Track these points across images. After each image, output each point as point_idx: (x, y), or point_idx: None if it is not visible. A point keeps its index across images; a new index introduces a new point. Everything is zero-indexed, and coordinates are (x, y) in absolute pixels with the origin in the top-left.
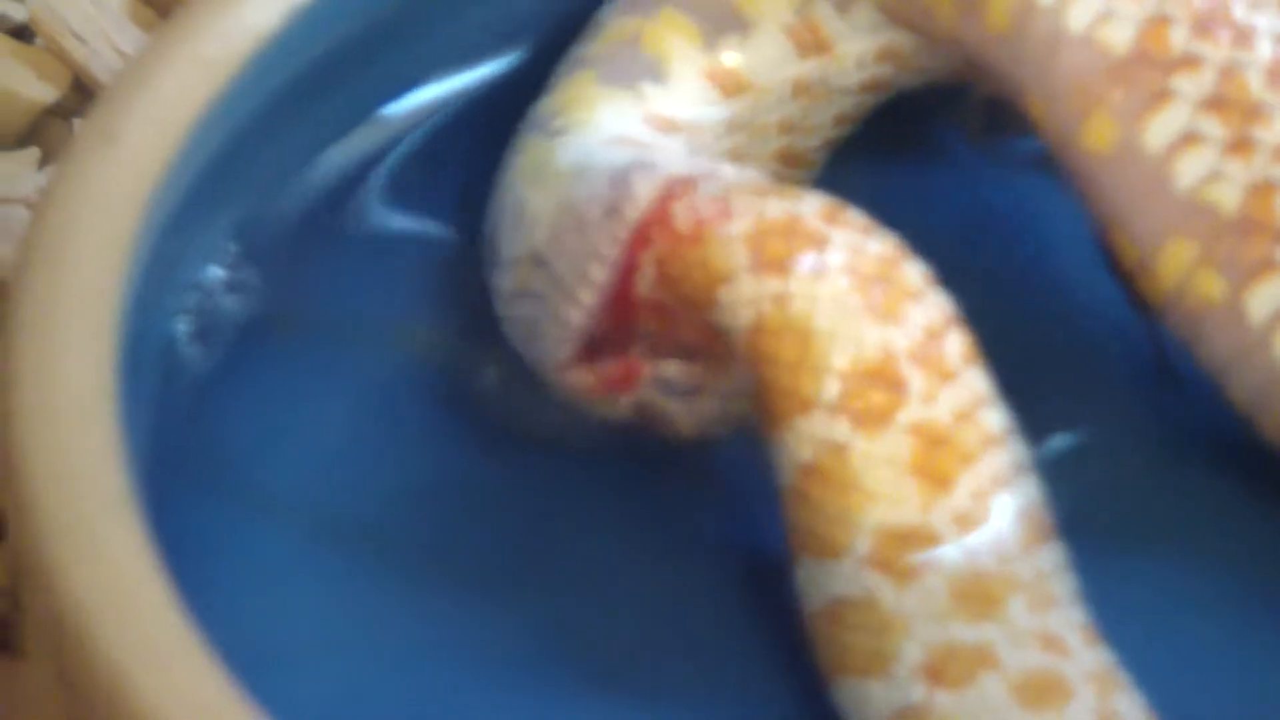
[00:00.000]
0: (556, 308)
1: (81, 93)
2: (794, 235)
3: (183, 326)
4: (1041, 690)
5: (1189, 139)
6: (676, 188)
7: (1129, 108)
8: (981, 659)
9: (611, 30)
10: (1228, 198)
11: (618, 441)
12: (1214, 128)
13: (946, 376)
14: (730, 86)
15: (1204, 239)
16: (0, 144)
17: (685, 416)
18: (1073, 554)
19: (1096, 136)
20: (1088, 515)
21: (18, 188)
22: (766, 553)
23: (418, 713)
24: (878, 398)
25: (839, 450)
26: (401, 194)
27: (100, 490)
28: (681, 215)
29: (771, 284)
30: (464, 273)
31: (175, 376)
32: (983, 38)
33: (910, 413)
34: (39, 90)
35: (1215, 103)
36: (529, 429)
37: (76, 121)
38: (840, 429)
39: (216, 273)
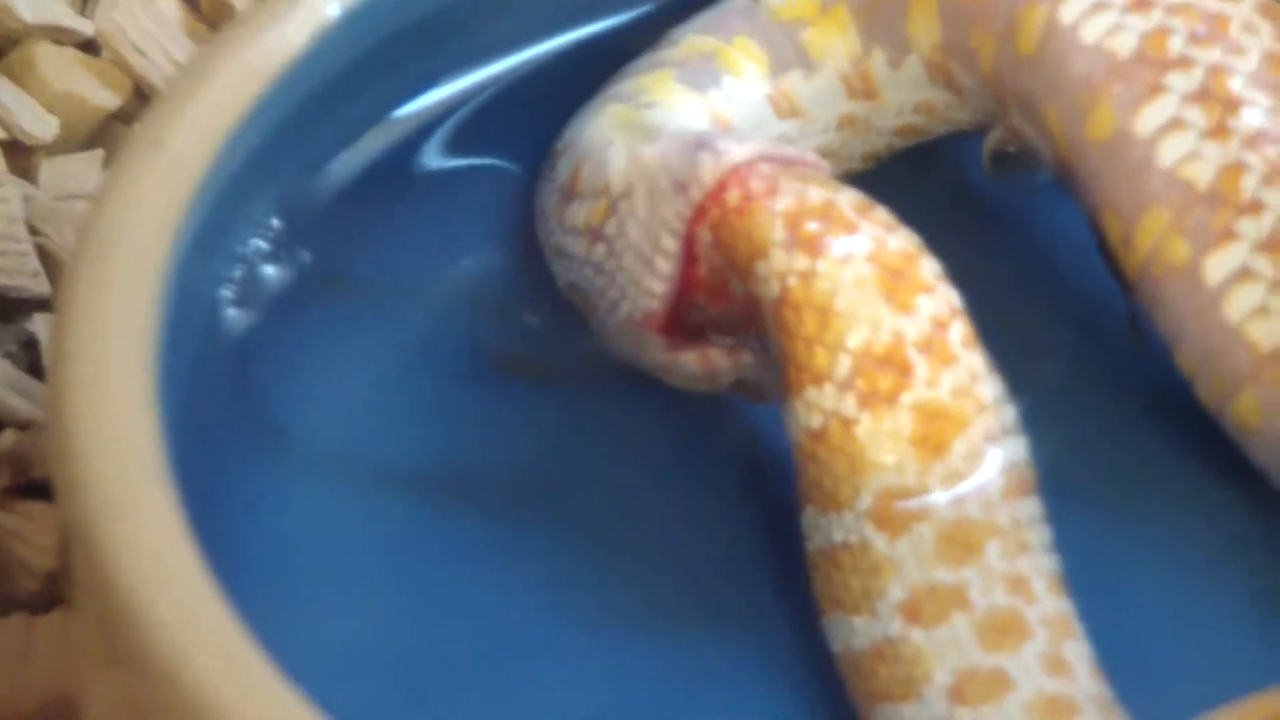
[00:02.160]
0: (639, 277)
1: (142, 99)
2: (828, 219)
3: (227, 294)
4: (1002, 630)
5: (1174, 124)
6: (739, 172)
7: (1127, 99)
8: (955, 599)
9: (689, 44)
10: (1202, 174)
11: (650, 393)
12: (1197, 117)
13: (948, 361)
14: (785, 109)
15: (1176, 209)
16: (69, 146)
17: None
18: (1052, 498)
19: (1098, 126)
20: (1068, 461)
21: (84, 185)
22: (784, 490)
23: (444, 652)
24: (886, 380)
25: (846, 423)
26: (431, 177)
27: (139, 465)
28: (734, 190)
29: (801, 261)
30: (489, 243)
31: (220, 341)
32: (1015, 62)
33: (914, 394)
34: (104, 97)
35: (1201, 96)
36: (560, 385)
37: (136, 124)
38: (848, 404)
39: (259, 245)
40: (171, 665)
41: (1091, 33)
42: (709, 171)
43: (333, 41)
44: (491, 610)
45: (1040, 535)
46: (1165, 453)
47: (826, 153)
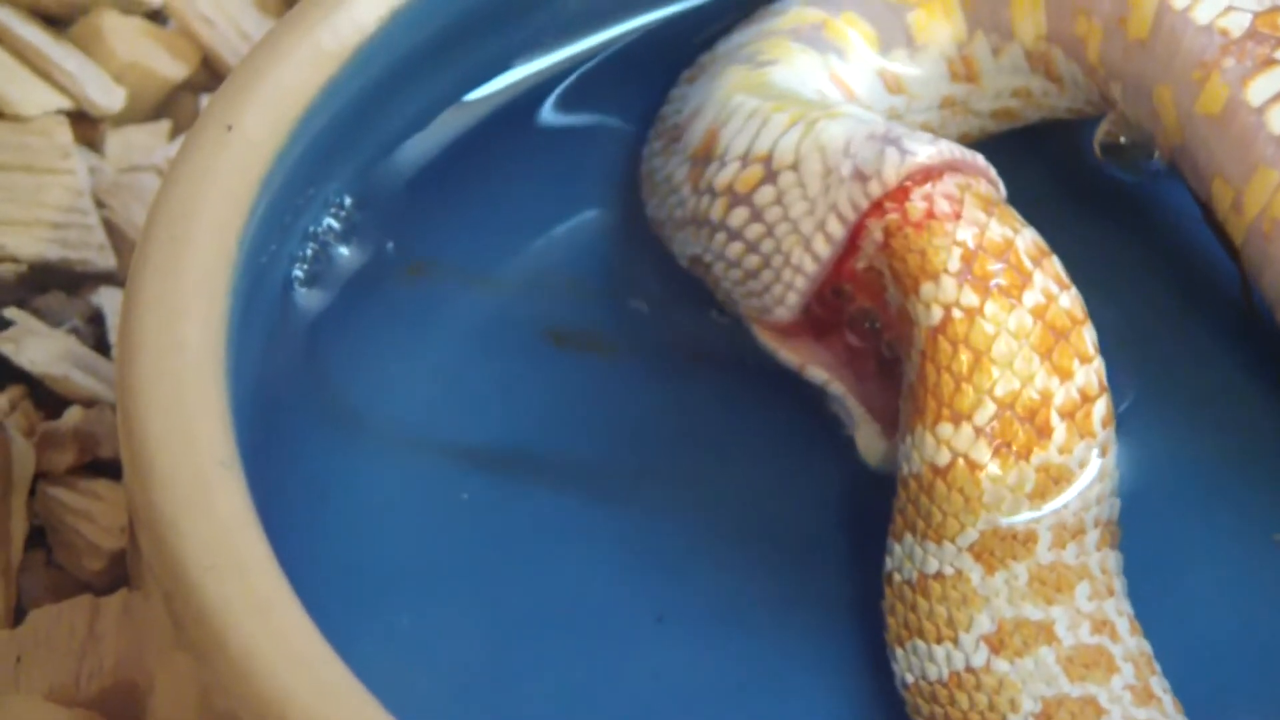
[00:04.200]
0: (790, 250)
1: (209, 70)
2: (1005, 262)
3: (298, 275)
4: (1089, 664)
5: None
6: (921, 175)
7: (1238, 72)
8: (1042, 634)
9: (795, 15)
10: None
11: (729, 379)
12: None
13: (1086, 435)
14: (893, 86)
15: None
16: (135, 116)
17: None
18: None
19: (1209, 99)
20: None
21: (151, 156)
22: (856, 484)
23: (514, 637)
24: (1023, 436)
25: (973, 466)
26: (506, 158)
27: (208, 453)
28: (918, 200)
29: (970, 298)
30: (563, 224)
31: (291, 324)
32: (1124, 47)
33: (1045, 457)
34: (171, 68)
35: None
36: (633, 368)
37: (205, 97)
38: (981, 449)
39: (332, 224)
40: (240, 656)
41: (1204, 14)
42: (893, 169)
43: (405, 21)
44: (561, 597)
45: (1123, 584)
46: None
47: (927, 130)
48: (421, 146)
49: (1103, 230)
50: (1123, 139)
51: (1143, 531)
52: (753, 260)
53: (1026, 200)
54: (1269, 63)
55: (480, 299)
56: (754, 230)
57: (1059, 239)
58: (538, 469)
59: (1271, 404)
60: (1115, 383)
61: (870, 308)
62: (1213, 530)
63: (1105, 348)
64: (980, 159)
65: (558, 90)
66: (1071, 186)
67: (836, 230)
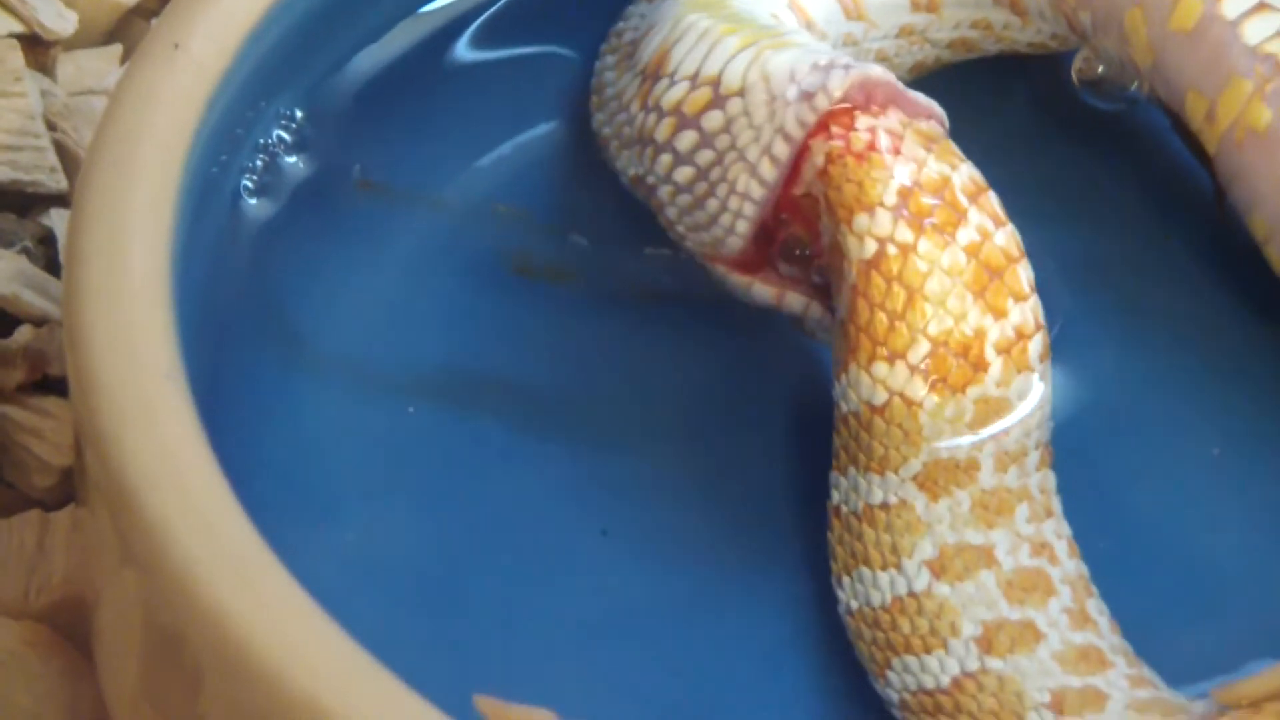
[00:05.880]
0: (737, 178)
1: None
2: (940, 198)
3: (247, 190)
4: (1029, 588)
5: (1260, 8)
6: (867, 92)
7: None
8: (983, 558)
9: None
10: None
11: (677, 306)
12: None
13: (1022, 369)
14: (853, 12)
15: (1260, 79)
16: (87, 41)
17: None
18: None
19: (1182, 15)
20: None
21: (102, 80)
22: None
23: (457, 557)
24: (958, 371)
25: (910, 403)
26: (459, 74)
27: (153, 368)
28: (862, 129)
29: (904, 234)
30: (516, 142)
31: (239, 242)
32: None
33: (982, 390)
34: None
35: None
36: (585, 294)
37: (155, 21)
38: (916, 386)
39: (281, 135)
40: (183, 569)
41: None
42: (838, 83)
43: None
44: (506, 516)
45: (1059, 504)
46: (1248, 337)
47: (881, 58)
48: (374, 60)
49: (1083, 155)
50: (1100, 69)
51: (1095, 448)
52: (701, 187)
53: (1007, 130)
54: None
55: (432, 222)
56: (703, 156)
57: (1040, 166)
58: (484, 391)
59: (1239, 316)
60: (1086, 303)
61: (802, 235)
62: (1158, 445)
63: (1080, 270)
64: (924, 98)
65: (515, 5)
66: (1052, 115)
67: (782, 151)
